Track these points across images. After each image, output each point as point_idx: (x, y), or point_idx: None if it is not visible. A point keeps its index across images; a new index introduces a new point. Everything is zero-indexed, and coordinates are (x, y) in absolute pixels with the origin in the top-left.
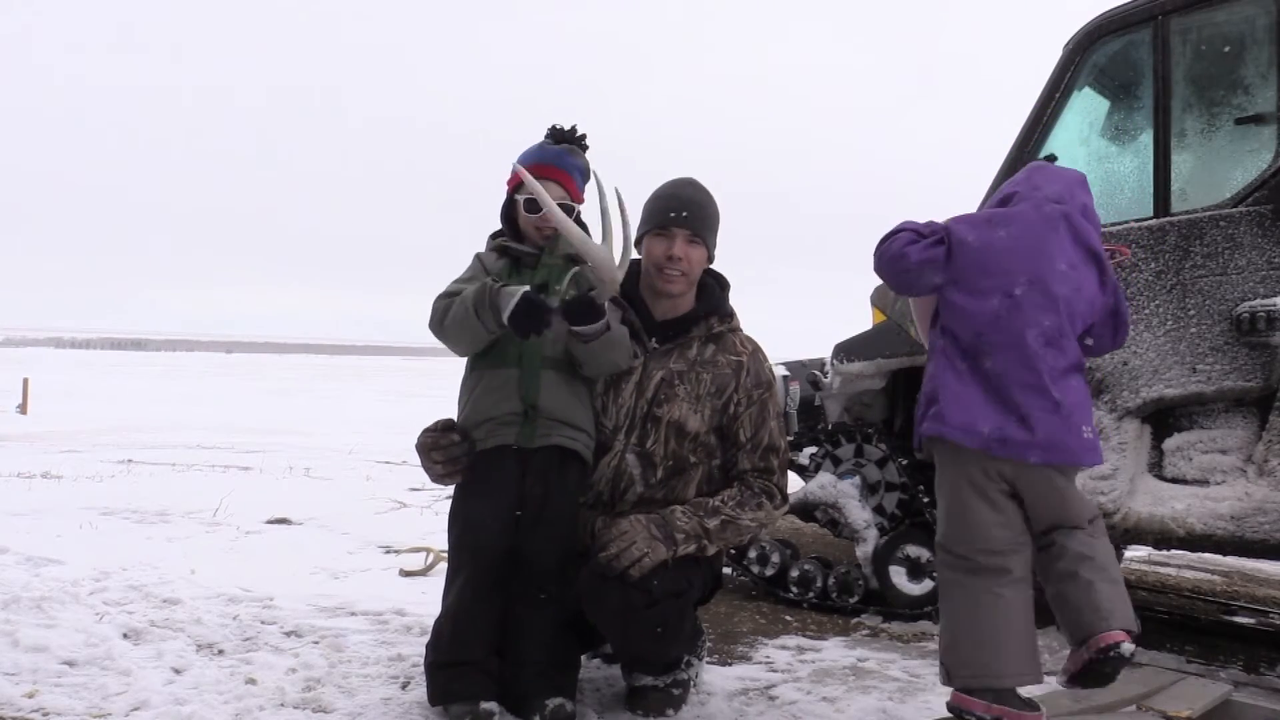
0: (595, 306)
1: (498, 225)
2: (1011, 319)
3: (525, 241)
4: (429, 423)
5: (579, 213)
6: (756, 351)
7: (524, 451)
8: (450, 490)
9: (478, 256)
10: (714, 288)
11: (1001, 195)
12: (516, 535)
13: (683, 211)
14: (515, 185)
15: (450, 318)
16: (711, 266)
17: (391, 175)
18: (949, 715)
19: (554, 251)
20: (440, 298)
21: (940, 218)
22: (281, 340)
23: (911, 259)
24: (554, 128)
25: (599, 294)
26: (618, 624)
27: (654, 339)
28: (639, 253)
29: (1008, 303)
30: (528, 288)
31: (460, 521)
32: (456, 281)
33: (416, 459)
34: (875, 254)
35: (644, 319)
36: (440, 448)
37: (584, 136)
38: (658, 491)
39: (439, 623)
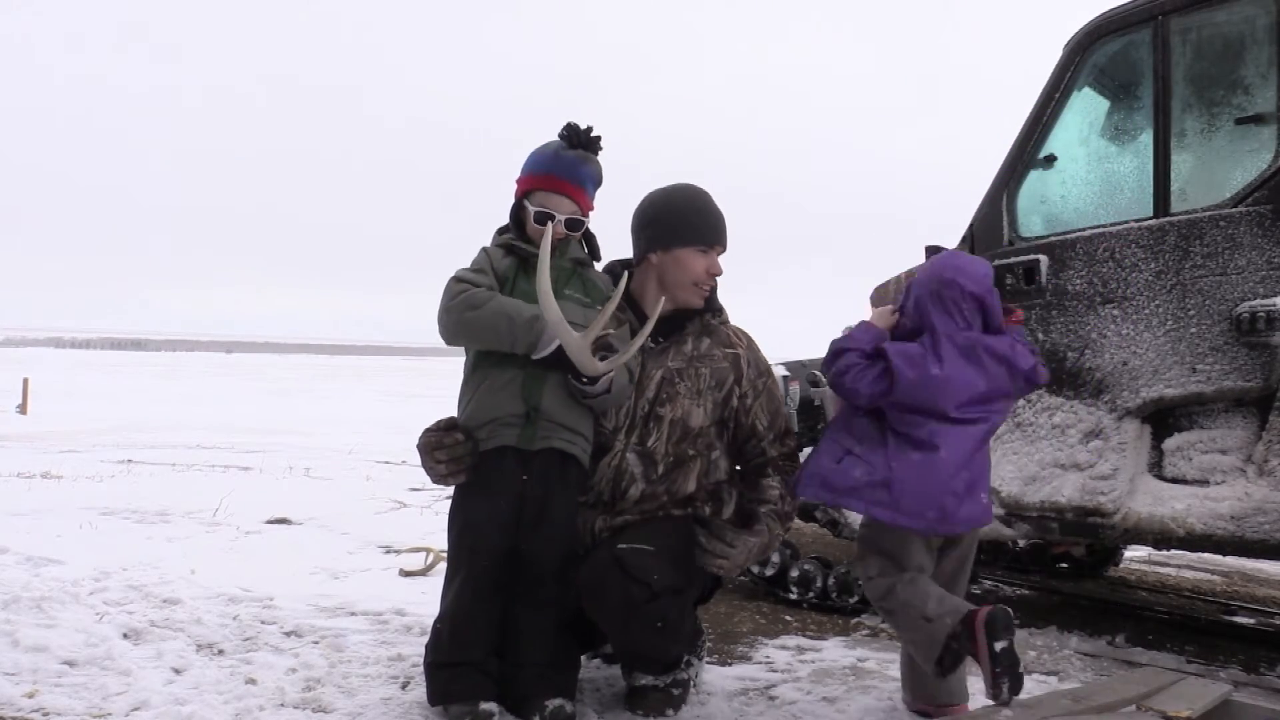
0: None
1: (500, 221)
2: (946, 433)
3: (533, 244)
4: (430, 422)
5: (587, 225)
6: (751, 342)
7: (524, 453)
8: (450, 490)
9: (485, 251)
10: None
11: (915, 302)
12: (517, 536)
13: (720, 229)
14: (525, 190)
15: (478, 318)
16: None
17: (392, 175)
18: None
19: (564, 255)
20: (458, 281)
21: (936, 217)
22: (281, 340)
23: (863, 393)
24: (570, 127)
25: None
26: (618, 618)
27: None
28: (655, 260)
29: (945, 422)
30: (558, 343)
31: (460, 521)
32: (469, 271)
33: (416, 459)
34: (828, 377)
35: (640, 318)
36: (444, 447)
37: (599, 139)
38: (659, 486)
39: (438, 623)
